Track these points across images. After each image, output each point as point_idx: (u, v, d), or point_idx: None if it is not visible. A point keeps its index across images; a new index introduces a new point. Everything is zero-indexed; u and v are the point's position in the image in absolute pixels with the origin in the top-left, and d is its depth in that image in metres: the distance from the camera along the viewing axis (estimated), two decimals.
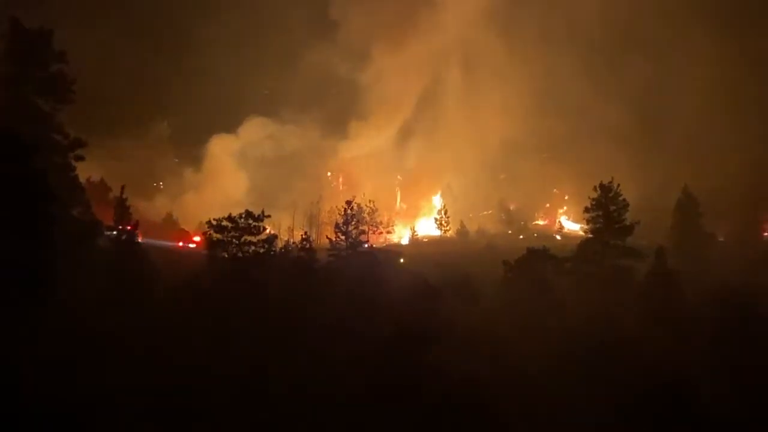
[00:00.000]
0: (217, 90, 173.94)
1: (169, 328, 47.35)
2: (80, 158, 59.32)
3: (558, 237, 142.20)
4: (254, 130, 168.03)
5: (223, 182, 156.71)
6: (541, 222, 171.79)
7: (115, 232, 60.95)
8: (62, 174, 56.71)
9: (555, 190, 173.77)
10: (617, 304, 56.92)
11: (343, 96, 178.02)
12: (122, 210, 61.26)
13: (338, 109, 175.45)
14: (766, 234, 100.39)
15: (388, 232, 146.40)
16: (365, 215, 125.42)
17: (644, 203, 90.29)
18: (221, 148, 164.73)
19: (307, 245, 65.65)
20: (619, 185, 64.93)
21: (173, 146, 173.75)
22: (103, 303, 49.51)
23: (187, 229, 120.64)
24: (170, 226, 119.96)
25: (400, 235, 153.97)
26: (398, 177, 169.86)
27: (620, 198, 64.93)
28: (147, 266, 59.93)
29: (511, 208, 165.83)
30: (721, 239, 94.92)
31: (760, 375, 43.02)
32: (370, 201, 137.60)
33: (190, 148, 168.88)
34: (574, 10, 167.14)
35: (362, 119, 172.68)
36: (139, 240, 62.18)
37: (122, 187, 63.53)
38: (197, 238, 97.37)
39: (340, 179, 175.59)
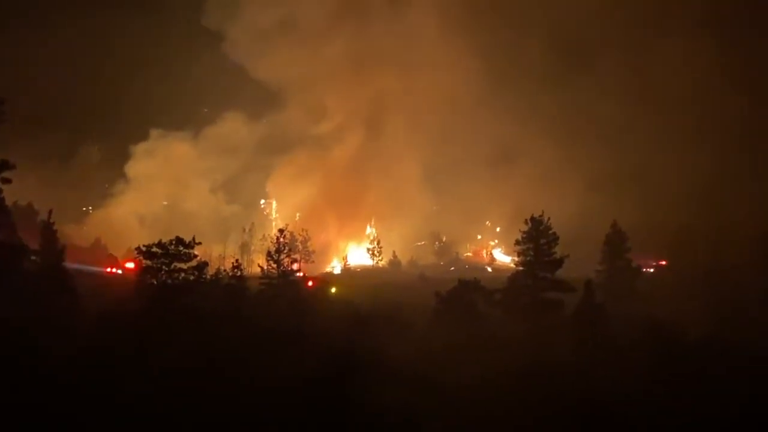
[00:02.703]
0: (151, 112, 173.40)
1: (91, 352, 46.34)
2: (7, 181, 57.93)
3: (489, 269, 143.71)
4: (186, 151, 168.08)
5: (149, 205, 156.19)
6: (472, 253, 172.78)
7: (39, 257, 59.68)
8: None
9: (487, 222, 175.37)
10: (545, 335, 57.68)
11: (275, 122, 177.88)
12: (49, 234, 60.07)
13: (270, 136, 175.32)
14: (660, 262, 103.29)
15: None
16: (298, 244, 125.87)
17: (579, 235, 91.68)
18: (147, 164, 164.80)
19: (238, 273, 65.36)
20: (549, 219, 65.76)
21: (103, 171, 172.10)
22: (25, 327, 48.27)
23: (115, 254, 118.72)
24: (99, 251, 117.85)
25: (333, 265, 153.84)
26: (331, 205, 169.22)
27: (550, 231, 65.56)
28: (72, 291, 58.78)
29: (444, 239, 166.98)
30: (651, 270, 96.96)
31: (674, 398, 44.36)
32: (303, 230, 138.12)
33: (121, 172, 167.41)
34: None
35: (293, 146, 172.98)
36: (66, 265, 60.77)
37: (50, 211, 62.77)
38: (130, 264, 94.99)
39: (273, 206, 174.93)
